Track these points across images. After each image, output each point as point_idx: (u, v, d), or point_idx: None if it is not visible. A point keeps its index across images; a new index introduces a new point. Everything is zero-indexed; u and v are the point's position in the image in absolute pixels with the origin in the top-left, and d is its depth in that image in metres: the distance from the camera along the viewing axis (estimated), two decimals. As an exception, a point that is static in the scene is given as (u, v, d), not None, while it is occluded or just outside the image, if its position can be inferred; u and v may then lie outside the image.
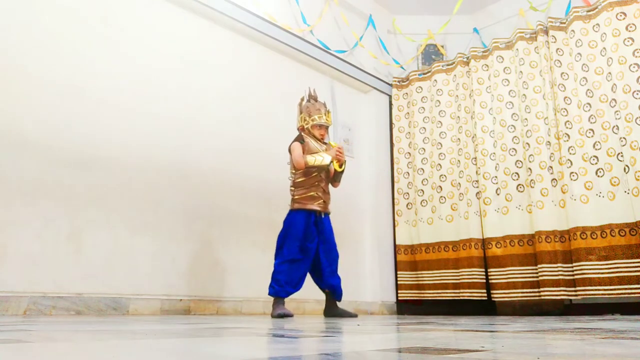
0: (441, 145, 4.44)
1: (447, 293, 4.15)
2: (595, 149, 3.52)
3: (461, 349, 0.90)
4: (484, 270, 4.00)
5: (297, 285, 2.83)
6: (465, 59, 4.51)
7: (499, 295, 3.82)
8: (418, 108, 4.72)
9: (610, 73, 3.49)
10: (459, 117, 4.42)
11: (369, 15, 4.98)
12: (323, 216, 2.97)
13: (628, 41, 3.45)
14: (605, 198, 3.41)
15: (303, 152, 2.93)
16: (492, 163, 4.08)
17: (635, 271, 3.19)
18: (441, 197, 4.35)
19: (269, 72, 4.03)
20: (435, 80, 4.63)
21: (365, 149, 4.79)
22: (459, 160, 4.34)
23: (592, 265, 3.35)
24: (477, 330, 1.53)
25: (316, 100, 3.10)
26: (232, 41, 3.80)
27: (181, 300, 3.03)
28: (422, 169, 4.55)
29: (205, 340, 1.09)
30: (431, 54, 5.17)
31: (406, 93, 4.91)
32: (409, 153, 4.75)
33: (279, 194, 3.77)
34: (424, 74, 4.80)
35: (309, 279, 2.96)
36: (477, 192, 4.13)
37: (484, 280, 3.97)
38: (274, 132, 3.80)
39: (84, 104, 2.84)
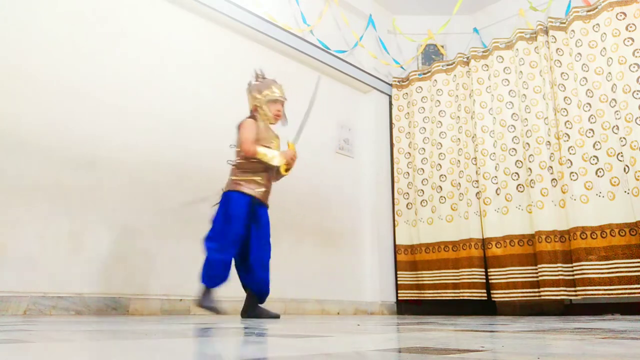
0: (441, 145, 4.44)
1: (447, 293, 4.15)
2: (595, 149, 3.52)
3: (461, 349, 0.90)
4: (484, 270, 4.00)
5: (226, 275, 2.51)
6: (465, 59, 4.51)
7: (499, 295, 3.82)
8: (418, 108, 4.72)
9: (610, 73, 3.49)
10: (459, 117, 4.42)
11: (369, 15, 4.98)
12: (260, 206, 2.66)
13: (628, 41, 3.45)
14: (605, 198, 3.41)
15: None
16: (492, 163, 4.09)
17: (635, 271, 3.19)
18: (441, 197, 4.35)
19: (268, 71, 4.01)
20: (435, 80, 4.63)
21: (365, 149, 4.79)
22: (459, 160, 4.34)
23: (592, 265, 3.35)
24: (477, 330, 1.53)
25: (264, 78, 2.81)
26: (232, 41, 3.80)
27: (181, 300, 3.03)
28: (422, 169, 4.55)
29: (205, 340, 1.08)
30: (431, 54, 5.17)
31: (406, 93, 4.91)
32: (409, 153, 4.75)
33: (278, 194, 3.76)
34: (424, 74, 4.80)
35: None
36: (477, 192, 4.13)
37: (484, 280, 3.97)
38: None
39: (84, 104, 2.84)
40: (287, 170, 2.70)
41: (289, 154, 2.67)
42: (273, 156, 2.61)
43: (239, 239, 2.54)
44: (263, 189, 2.66)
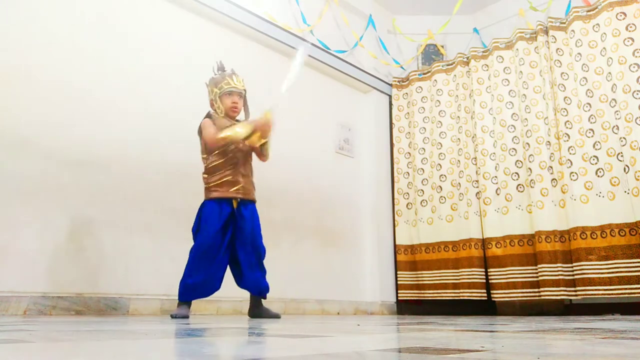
0: (441, 145, 4.44)
1: (447, 293, 4.15)
2: (595, 149, 3.52)
3: (461, 349, 0.90)
4: (484, 270, 4.00)
5: (212, 288, 2.46)
6: (465, 59, 4.51)
7: (499, 295, 3.82)
8: (418, 108, 4.72)
9: (610, 73, 3.49)
10: (459, 117, 4.42)
11: (369, 15, 4.98)
12: (244, 204, 2.53)
13: (628, 41, 3.45)
14: (605, 198, 3.41)
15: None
16: (492, 163, 4.09)
17: (635, 271, 3.19)
18: (441, 197, 4.35)
19: (268, 71, 4.02)
20: (435, 80, 4.63)
21: (365, 149, 4.79)
22: (459, 160, 4.34)
23: (592, 265, 3.35)
24: (477, 330, 1.53)
25: (224, 70, 2.68)
26: (232, 41, 3.80)
27: (181, 300, 3.03)
28: (422, 169, 4.55)
29: (205, 340, 1.08)
30: (431, 54, 5.17)
31: (406, 93, 4.91)
32: (409, 153, 4.75)
33: (279, 194, 3.77)
34: (424, 74, 4.80)
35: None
36: (477, 192, 4.13)
37: (484, 280, 3.97)
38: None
39: (84, 104, 2.84)
40: (262, 138, 2.51)
41: (259, 122, 2.45)
42: (236, 132, 2.41)
43: (215, 251, 2.42)
44: (240, 185, 2.51)
